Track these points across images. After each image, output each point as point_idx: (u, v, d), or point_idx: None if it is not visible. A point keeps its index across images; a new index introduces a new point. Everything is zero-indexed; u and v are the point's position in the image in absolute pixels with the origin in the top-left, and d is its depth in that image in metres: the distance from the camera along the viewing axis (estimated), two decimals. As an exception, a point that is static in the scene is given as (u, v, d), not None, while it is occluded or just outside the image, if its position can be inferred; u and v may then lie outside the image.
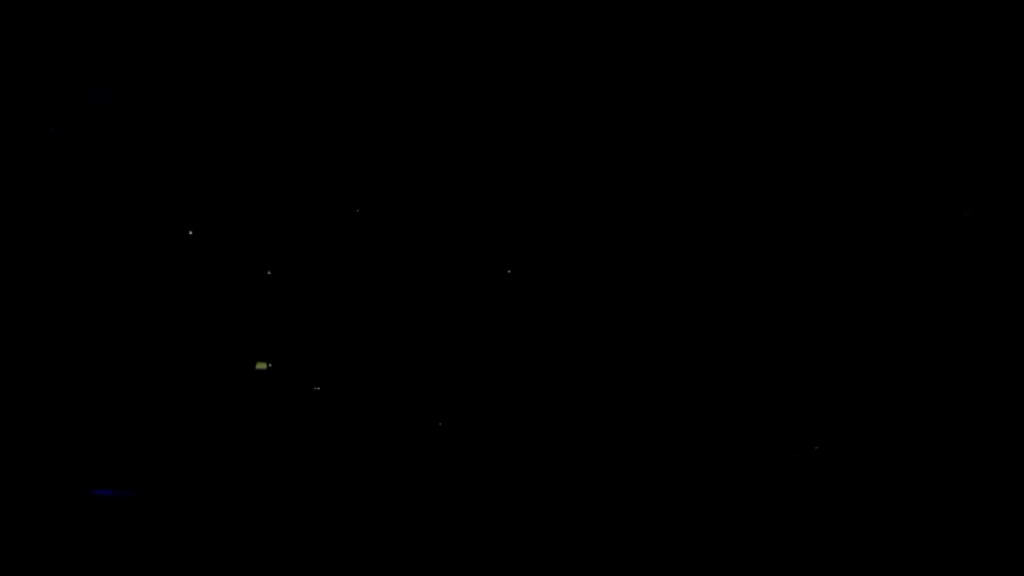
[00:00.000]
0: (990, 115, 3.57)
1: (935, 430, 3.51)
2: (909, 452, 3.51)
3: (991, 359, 3.52)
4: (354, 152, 3.67)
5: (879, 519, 3.46)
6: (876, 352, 3.56)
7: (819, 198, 3.62)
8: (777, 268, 3.61)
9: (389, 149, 3.67)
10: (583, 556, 3.43)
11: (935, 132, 3.58)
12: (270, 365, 3.61)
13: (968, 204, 3.56)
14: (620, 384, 3.61)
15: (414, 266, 3.66)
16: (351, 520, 3.49)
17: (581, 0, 3.63)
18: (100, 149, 3.61)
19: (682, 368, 3.61)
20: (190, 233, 3.61)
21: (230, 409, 3.58)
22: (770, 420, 3.57)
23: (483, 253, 3.66)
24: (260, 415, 3.59)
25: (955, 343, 3.54)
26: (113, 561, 3.35)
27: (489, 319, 3.65)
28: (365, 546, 3.44)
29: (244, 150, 3.65)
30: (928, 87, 3.59)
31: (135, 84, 3.62)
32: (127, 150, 3.62)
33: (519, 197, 3.66)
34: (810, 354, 3.58)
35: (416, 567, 3.40)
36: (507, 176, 3.67)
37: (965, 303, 3.54)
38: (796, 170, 3.63)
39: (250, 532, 3.44)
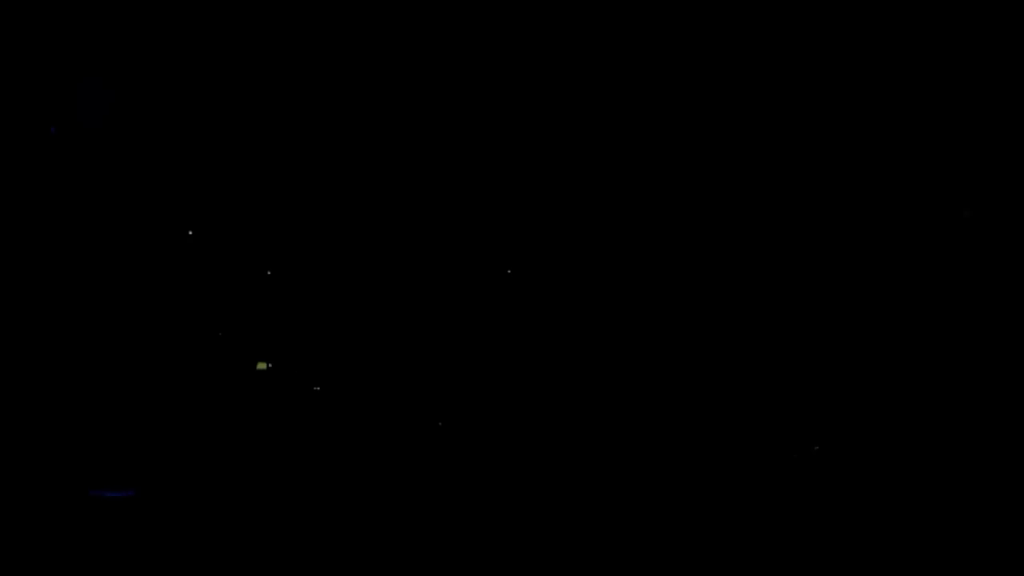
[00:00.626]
0: (990, 115, 3.57)
1: (935, 430, 3.51)
2: (909, 452, 3.51)
3: (991, 358, 3.52)
4: (354, 152, 3.67)
5: (879, 519, 3.46)
6: (876, 352, 3.56)
7: (819, 198, 3.62)
8: (777, 268, 3.61)
9: (389, 149, 3.67)
10: (583, 556, 3.43)
11: (935, 132, 3.59)
12: (270, 365, 3.61)
13: (968, 204, 3.56)
14: (620, 384, 3.61)
15: (414, 266, 3.66)
16: (351, 520, 3.49)
17: (581, 1, 3.63)
18: (100, 149, 3.61)
19: (682, 368, 3.61)
20: (190, 233, 3.62)
21: (230, 409, 3.58)
22: (770, 420, 3.57)
23: (483, 253, 3.66)
24: (260, 415, 3.59)
25: (955, 342, 3.54)
26: (113, 561, 3.35)
27: (489, 319, 3.65)
28: (365, 546, 3.44)
29: (244, 151, 3.65)
30: (928, 87, 3.59)
31: (135, 84, 3.62)
32: (127, 150, 3.62)
33: (519, 197, 3.66)
34: (810, 354, 3.58)
35: (416, 567, 3.40)
36: (507, 176, 3.67)
37: (965, 302, 3.54)
38: (796, 170, 3.63)
39: (250, 532, 3.44)
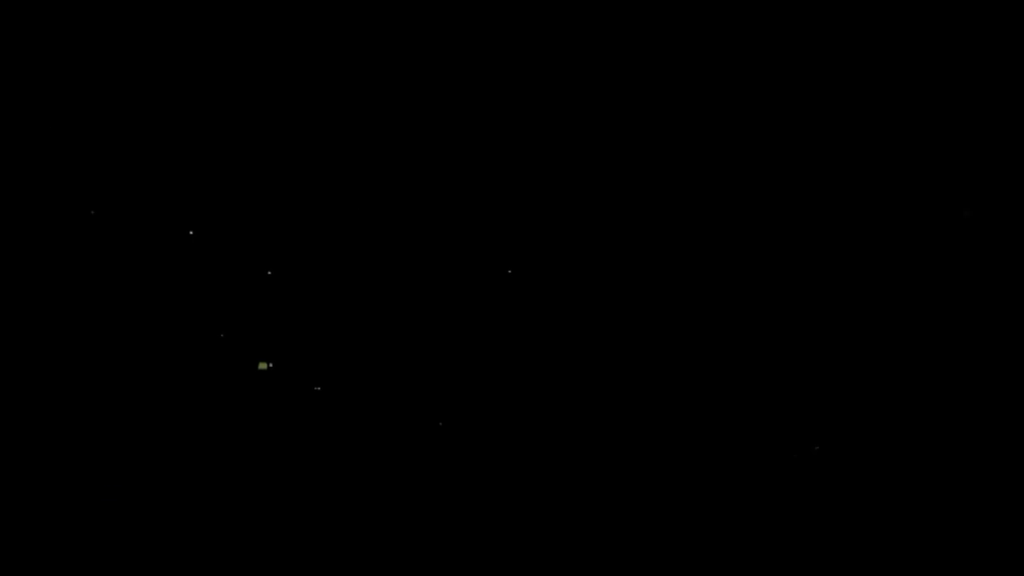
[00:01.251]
0: (990, 115, 3.57)
1: (935, 430, 3.51)
2: (909, 452, 3.51)
3: (991, 358, 3.51)
4: (354, 152, 3.67)
5: (879, 519, 3.46)
6: (876, 352, 3.56)
7: (820, 198, 3.62)
8: (777, 268, 3.61)
9: (389, 149, 3.68)
10: (583, 556, 3.43)
11: (935, 132, 3.58)
12: (270, 365, 3.61)
13: (968, 204, 3.56)
14: (620, 384, 3.61)
15: (414, 266, 3.67)
16: (351, 520, 3.49)
17: (581, 1, 3.64)
18: (101, 148, 3.62)
19: (682, 368, 3.61)
20: (190, 233, 3.62)
21: (230, 409, 3.58)
22: (770, 420, 3.57)
23: (483, 253, 3.66)
24: (260, 415, 3.59)
25: (955, 343, 3.53)
26: (115, 563, 3.35)
27: (489, 319, 3.65)
28: (365, 546, 3.44)
29: (244, 151, 3.65)
30: (928, 87, 3.59)
31: (136, 85, 3.62)
32: (128, 150, 3.63)
33: (519, 197, 3.66)
34: (810, 354, 3.58)
35: (416, 567, 3.40)
36: (507, 176, 3.67)
37: (965, 303, 3.54)
38: (797, 170, 3.63)
39: (251, 532, 3.44)
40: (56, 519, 3.40)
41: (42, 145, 3.59)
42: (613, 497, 3.53)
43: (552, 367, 3.63)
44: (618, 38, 3.64)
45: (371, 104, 3.67)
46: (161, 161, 3.63)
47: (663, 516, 3.50)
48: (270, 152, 3.66)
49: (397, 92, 3.67)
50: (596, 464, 3.57)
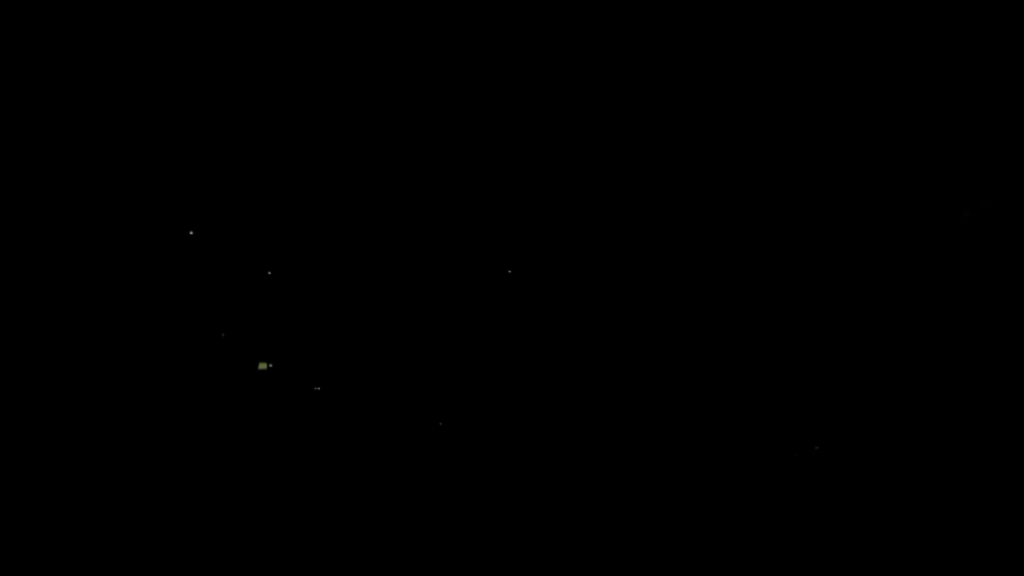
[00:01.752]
0: (990, 115, 3.57)
1: (935, 430, 3.51)
2: (909, 452, 3.51)
3: (991, 359, 3.51)
4: (354, 152, 3.67)
5: (879, 519, 3.46)
6: (876, 352, 3.56)
7: (819, 198, 3.62)
8: (777, 268, 3.61)
9: (389, 149, 3.68)
10: (583, 556, 3.43)
11: (935, 132, 3.58)
12: (270, 365, 3.61)
13: (968, 204, 3.56)
14: (620, 384, 3.61)
15: (414, 266, 3.67)
16: (351, 520, 3.49)
17: (581, 1, 3.64)
18: (101, 147, 3.62)
19: (682, 368, 3.61)
20: (190, 233, 3.62)
21: (230, 410, 3.58)
22: (770, 420, 3.57)
23: (483, 253, 3.66)
24: (260, 415, 3.59)
25: (955, 343, 3.53)
26: (115, 564, 3.35)
27: (489, 319, 3.65)
28: (365, 546, 3.44)
29: (244, 150, 3.66)
30: (928, 87, 3.59)
31: (136, 84, 3.62)
32: (128, 149, 3.63)
33: (519, 197, 3.67)
34: (809, 354, 3.58)
35: (416, 567, 3.40)
36: (507, 176, 3.67)
37: (965, 303, 3.54)
38: (796, 170, 3.63)
39: (251, 532, 3.44)
40: (56, 519, 3.40)
41: (42, 143, 3.60)
42: (613, 497, 3.53)
43: (552, 367, 3.63)
44: (617, 38, 3.64)
45: (371, 104, 3.67)
46: (161, 161, 3.63)
47: (663, 516, 3.50)
48: (270, 152, 3.66)
49: (396, 92, 3.67)
50: (596, 464, 3.57)
